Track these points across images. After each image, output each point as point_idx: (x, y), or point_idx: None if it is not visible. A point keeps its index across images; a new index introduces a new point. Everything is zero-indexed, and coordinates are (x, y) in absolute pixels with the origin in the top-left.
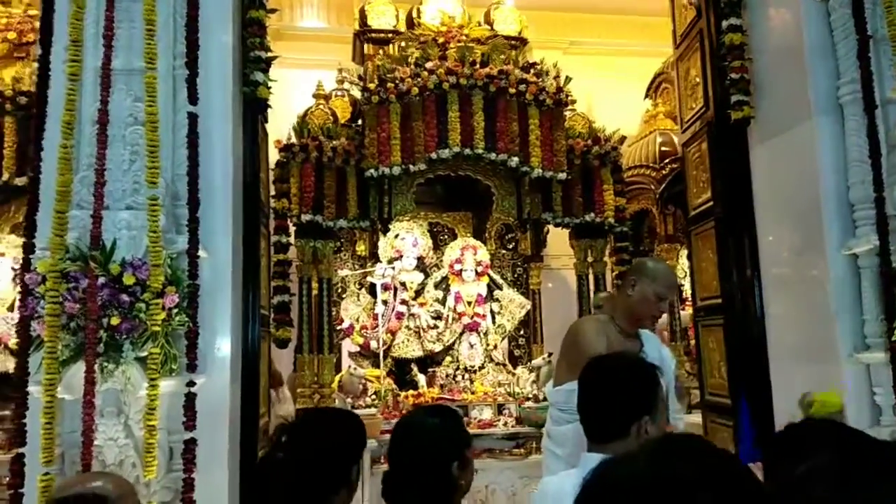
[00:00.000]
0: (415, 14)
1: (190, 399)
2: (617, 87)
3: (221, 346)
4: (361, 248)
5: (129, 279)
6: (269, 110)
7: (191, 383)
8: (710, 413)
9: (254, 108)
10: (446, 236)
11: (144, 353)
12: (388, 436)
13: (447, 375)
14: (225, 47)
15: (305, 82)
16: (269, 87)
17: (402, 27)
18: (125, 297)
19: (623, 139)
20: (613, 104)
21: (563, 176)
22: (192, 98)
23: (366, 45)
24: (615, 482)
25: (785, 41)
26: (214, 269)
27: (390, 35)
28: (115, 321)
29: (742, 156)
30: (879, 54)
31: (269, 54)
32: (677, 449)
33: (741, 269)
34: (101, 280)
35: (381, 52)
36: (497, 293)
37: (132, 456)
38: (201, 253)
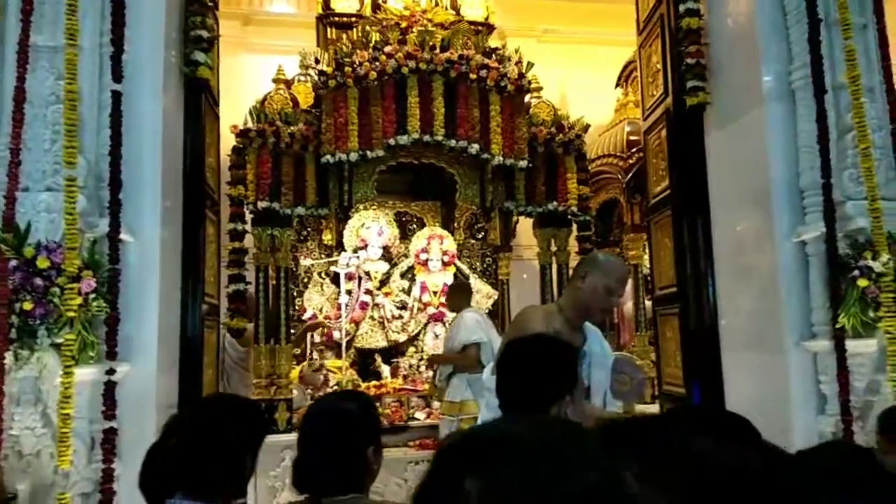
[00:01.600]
0: None
1: (109, 387)
2: (591, 76)
3: (147, 333)
4: (328, 237)
5: (42, 262)
6: (233, 96)
7: (110, 371)
8: (667, 402)
9: (195, 89)
10: (415, 225)
11: (61, 340)
12: None
13: (410, 366)
14: (157, 26)
15: (274, 68)
16: (211, 68)
17: (368, 12)
18: (39, 282)
19: (587, 127)
20: (587, 93)
21: (524, 164)
22: (117, 76)
23: (329, 30)
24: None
25: (740, 25)
26: (142, 253)
27: (353, 19)
28: (27, 306)
29: (698, 143)
30: (832, 38)
31: (211, 34)
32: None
33: (695, 258)
34: (14, 263)
35: (344, 36)
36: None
37: (50, 446)
38: (126, 237)
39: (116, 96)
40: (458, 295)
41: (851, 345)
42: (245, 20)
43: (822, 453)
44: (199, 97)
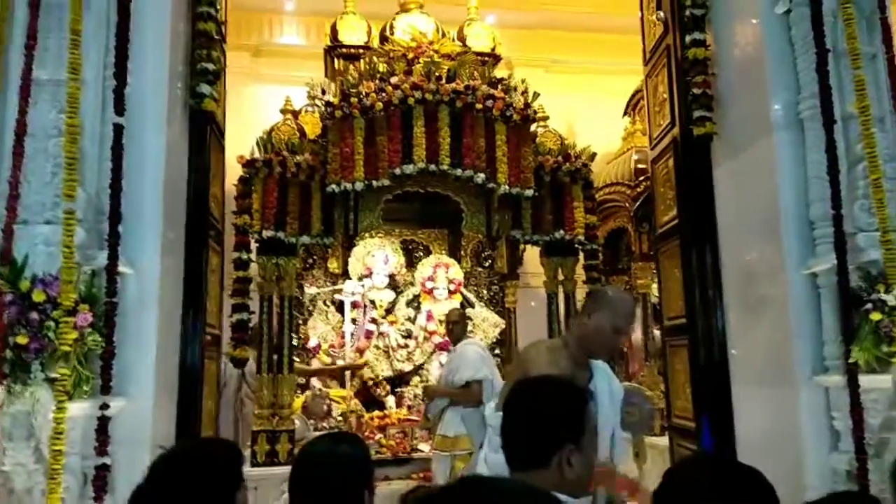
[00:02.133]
0: (388, 30)
1: (102, 422)
2: (599, 105)
3: (144, 366)
4: (334, 266)
5: (38, 296)
6: (243, 126)
7: (104, 406)
8: (676, 436)
9: (200, 121)
10: (421, 253)
11: (56, 374)
12: None
13: (415, 396)
14: (161, 59)
15: (283, 98)
16: (216, 100)
17: (376, 43)
18: (34, 315)
19: (594, 156)
20: (596, 122)
21: (529, 192)
22: (118, 109)
23: (336, 61)
24: None
25: (747, 56)
26: (141, 285)
27: (361, 51)
28: (21, 340)
29: (706, 173)
30: (840, 69)
31: (217, 66)
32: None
33: (703, 289)
34: (9, 297)
35: (351, 67)
36: (470, 312)
37: (42, 482)
38: (125, 269)
39: (118, 129)
40: (461, 324)
41: (865, 380)
42: (255, 52)
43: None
44: (204, 129)
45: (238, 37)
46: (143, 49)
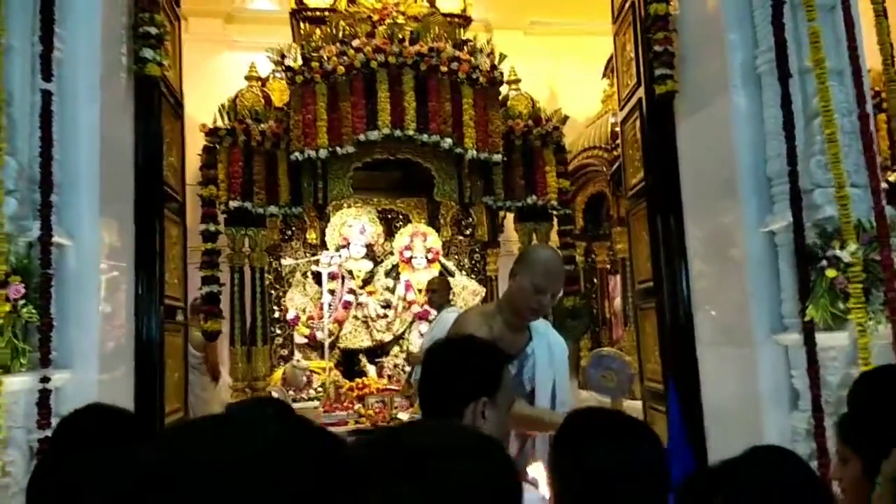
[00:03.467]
0: None
1: (43, 395)
2: (580, 67)
3: (87, 339)
4: (312, 237)
5: None
6: (217, 94)
7: (44, 379)
8: (648, 398)
9: (146, 87)
10: (401, 223)
11: None
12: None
13: (395, 366)
14: (93, 24)
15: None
16: (160, 64)
17: (344, 5)
18: None
19: (566, 119)
20: (577, 84)
21: (498, 157)
22: (46, 75)
23: (302, 25)
24: None
25: (706, 11)
26: (80, 257)
27: (326, 13)
28: None
29: (670, 133)
30: (797, 21)
31: (161, 30)
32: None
33: (669, 251)
34: None
35: (317, 31)
36: (450, 281)
37: None
38: (63, 240)
39: (46, 96)
40: (438, 291)
41: (822, 338)
42: (227, 18)
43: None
44: (150, 95)
45: (209, 3)
46: (75, 15)
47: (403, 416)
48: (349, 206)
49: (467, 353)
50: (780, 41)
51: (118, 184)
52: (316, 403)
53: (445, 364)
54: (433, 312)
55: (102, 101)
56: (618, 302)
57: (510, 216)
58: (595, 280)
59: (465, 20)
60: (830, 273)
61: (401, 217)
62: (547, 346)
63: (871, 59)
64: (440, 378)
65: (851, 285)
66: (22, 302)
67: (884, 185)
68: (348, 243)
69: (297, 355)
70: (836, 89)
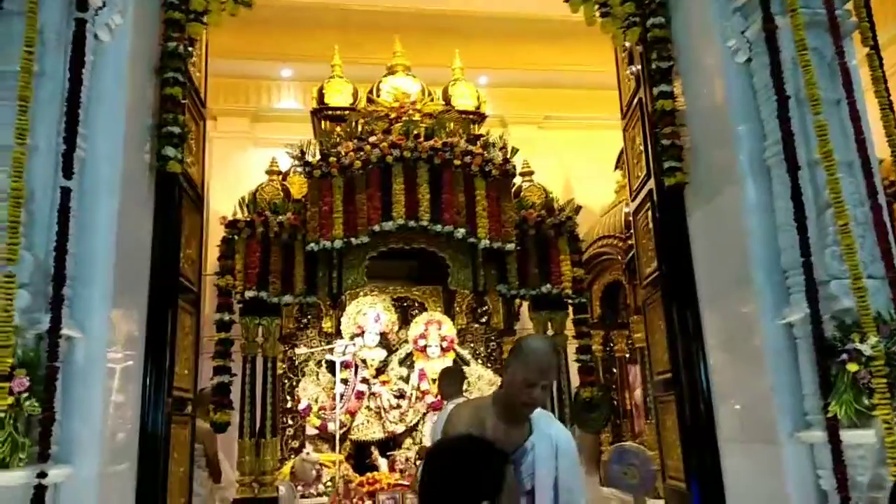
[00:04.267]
0: (374, 92)
1: (38, 492)
2: (594, 159)
3: (89, 433)
4: (328, 325)
5: None
6: (242, 188)
7: (41, 475)
8: (671, 500)
9: (167, 183)
10: (416, 311)
11: None
12: None
13: (407, 459)
14: (117, 124)
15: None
16: (181, 161)
17: (363, 105)
18: None
19: (579, 209)
20: (591, 176)
21: (511, 246)
22: (67, 173)
23: (323, 123)
24: None
25: (713, 106)
26: (89, 350)
27: (346, 112)
28: None
29: (681, 224)
30: (804, 115)
31: (184, 130)
32: None
33: (686, 342)
34: None
35: (338, 128)
36: (465, 370)
37: None
38: (73, 333)
39: (64, 192)
40: (447, 380)
41: (848, 435)
42: (254, 117)
43: None
44: (171, 191)
45: (237, 103)
46: (101, 115)
47: None
48: (365, 295)
49: (467, 455)
50: (787, 135)
51: (133, 276)
52: (325, 499)
53: (445, 468)
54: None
55: (122, 197)
56: (638, 393)
57: (526, 303)
58: (614, 370)
59: (479, 116)
60: (852, 367)
61: (416, 305)
62: (548, 438)
63: (882, 150)
64: (440, 482)
65: (875, 380)
66: (25, 395)
67: None
68: (363, 332)
69: (308, 447)
70: (846, 180)
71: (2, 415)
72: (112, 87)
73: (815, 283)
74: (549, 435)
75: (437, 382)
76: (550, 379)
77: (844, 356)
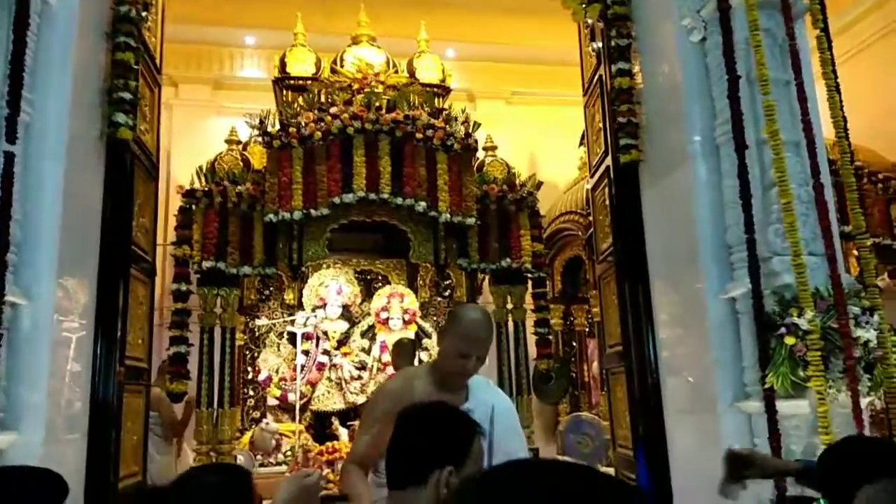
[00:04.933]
0: (337, 63)
1: None
2: (560, 135)
3: (35, 400)
4: (290, 297)
5: None
6: (205, 157)
7: None
8: (621, 467)
9: (118, 150)
10: (380, 284)
11: None
12: None
13: None
14: (64, 88)
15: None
16: (132, 128)
17: (326, 75)
18: None
19: (539, 184)
20: (557, 152)
21: (471, 221)
22: (10, 137)
23: (285, 92)
24: None
25: (668, 84)
26: (34, 317)
27: (308, 82)
28: None
29: (635, 201)
30: (754, 94)
31: (135, 96)
32: None
33: (637, 316)
34: None
35: (300, 98)
36: (426, 342)
37: None
38: (18, 300)
39: (8, 157)
40: (400, 353)
41: (784, 406)
42: (216, 84)
43: None
44: (122, 158)
45: (199, 70)
46: (47, 80)
47: None
48: (328, 267)
49: (435, 419)
50: (735, 115)
51: (83, 244)
52: (284, 468)
53: (415, 428)
54: None
55: (69, 163)
56: (595, 366)
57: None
58: (574, 343)
59: (444, 90)
60: (789, 340)
61: (380, 278)
62: (483, 404)
63: (829, 130)
64: (407, 442)
65: (810, 353)
66: None
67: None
68: (325, 304)
69: (269, 417)
70: (791, 160)
71: None
72: (59, 50)
73: (757, 260)
74: (485, 401)
75: (392, 355)
76: (484, 350)
77: (783, 330)
